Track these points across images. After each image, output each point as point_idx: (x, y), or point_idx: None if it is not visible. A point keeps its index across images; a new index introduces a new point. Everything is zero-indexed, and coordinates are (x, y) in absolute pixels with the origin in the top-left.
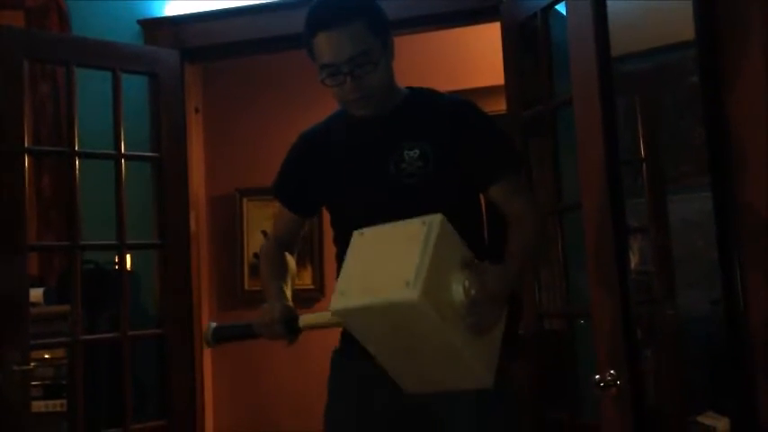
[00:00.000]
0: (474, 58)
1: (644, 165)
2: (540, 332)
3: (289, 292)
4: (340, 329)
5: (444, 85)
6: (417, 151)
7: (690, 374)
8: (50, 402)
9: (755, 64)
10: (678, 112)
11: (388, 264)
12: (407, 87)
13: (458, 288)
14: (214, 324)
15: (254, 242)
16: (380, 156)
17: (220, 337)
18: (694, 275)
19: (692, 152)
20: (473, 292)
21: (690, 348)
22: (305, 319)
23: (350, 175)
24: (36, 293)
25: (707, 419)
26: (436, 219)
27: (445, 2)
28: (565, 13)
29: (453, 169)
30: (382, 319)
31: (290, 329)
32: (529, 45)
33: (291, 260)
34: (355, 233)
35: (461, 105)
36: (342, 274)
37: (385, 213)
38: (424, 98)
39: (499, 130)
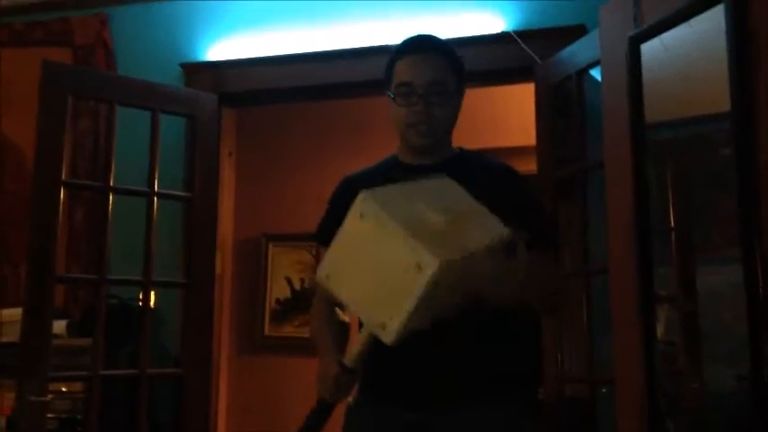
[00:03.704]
0: (505, 117)
1: (673, 233)
2: (562, 397)
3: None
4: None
5: (474, 143)
6: None
7: None
8: None
9: None
10: (709, 184)
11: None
12: (458, 147)
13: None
14: None
15: (278, 287)
16: None
17: None
18: (720, 349)
19: (721, 224)
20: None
21: (713, 424)
22: (348, 357)
23: None
24: (59, 325)
25: None
26: (363, 202)
27: (480, 61)
28: (599, 77)
29: None
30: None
31: (349, 376)
32: (562, 107)
33: (341, 313)
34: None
35: (510, 172)
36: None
37: None
38: (474, 157)
39: (537, 203)
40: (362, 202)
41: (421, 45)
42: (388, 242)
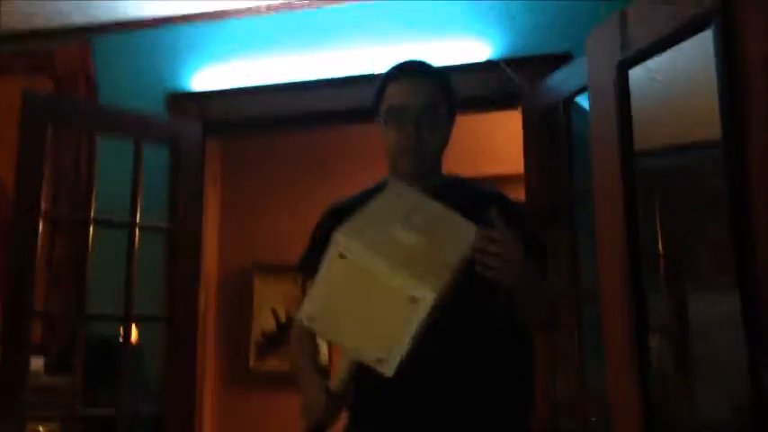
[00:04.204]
0: (492, 145)
1: (662, 261)
2: (555, 429)
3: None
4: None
5: (462, 171)
6: None
7: None
8: None
9: None
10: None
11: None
12: (449, 174)
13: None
14: None
15: (264, 320)
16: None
17: None
18: (714, 379)
19: (711, 252)
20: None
21: None
22: (333, 383)
23: None
24: (36, 362)
25: None
26: (341, 241)
27: (467, 88)
28: (587, 105)
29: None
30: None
31: (336, 402)
32: (549, 134)
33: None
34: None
35: (498, 195)
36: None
37: None
38: (463, 183)
39: (526, 223)
40: (340, 243)
41: (413, 69)
42: (375, 279)
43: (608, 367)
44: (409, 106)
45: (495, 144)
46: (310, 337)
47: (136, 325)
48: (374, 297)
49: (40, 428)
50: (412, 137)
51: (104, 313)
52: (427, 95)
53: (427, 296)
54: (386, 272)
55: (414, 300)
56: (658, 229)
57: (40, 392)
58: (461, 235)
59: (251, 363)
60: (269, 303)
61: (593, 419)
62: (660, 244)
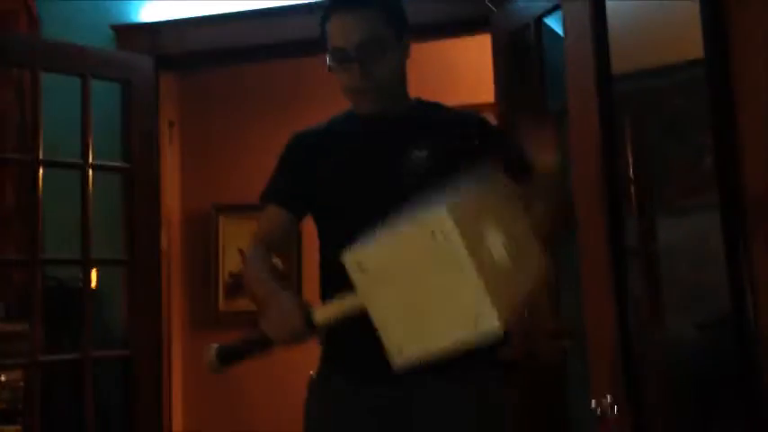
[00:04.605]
0: (459, 75)
1: (632, 187)
2: (530, 355)
3: None
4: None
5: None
6: (426, 152)
7: (675, 402)
8: (4, 428)
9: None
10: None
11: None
12: (416, 98)
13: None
14: (215, 345)
15: (230, 261)
16: (386, 157)
17: (227, 356)
18: (678, 300)
19: (675, 176)
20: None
21: (676, 374)
22: (321, 312)
23: (352, 176)
24: None
25: None
26: (445, 223)
27: (433, 12)
28: (556, 27)
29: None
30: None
31: (309, 331)
32: (520, 57)
33: (280, 263)
34: (349, 260)
35: (473, 115)
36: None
37: (387, 216)
38: (433, 107)
39: (506, 137)
40: (439, 221)
41: (347, 1)
42: (454, 275)
43: (584, 293)
44: (349, 46)
45: (462, 73)
46: (270, 257)
47: (95, 270)
48: (441, 291)
49: (2, 377)
50: (357, 77)
51: (61, 258)
52: (368, 29)
53: (492, 326)
54: (472, 279)
55: (476, 319)
56: (629, 153)
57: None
58: (532, 261)
59: (220, 304)
60: (235, 244)
61: (567, 345)
62: (630, 168)
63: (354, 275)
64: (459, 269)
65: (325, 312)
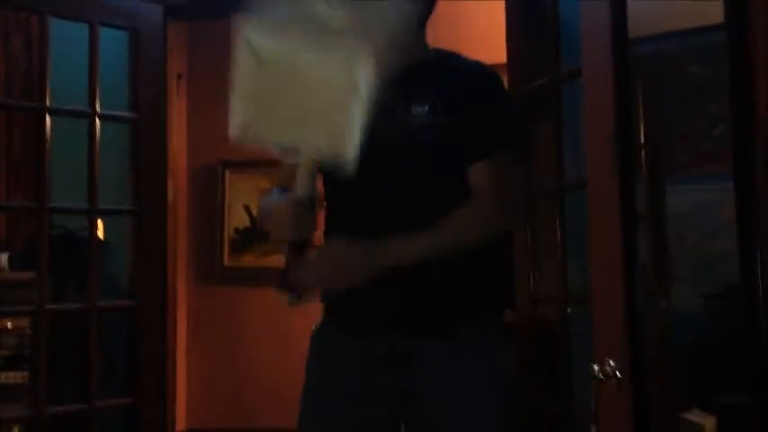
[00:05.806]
0: (475, 32)
1: (643, 152)
2: (535, 319)
3: None
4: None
5: None
6: (427, 107)
7: (677, 370)
8: (11, 374)
9: None
10: (676, 103)
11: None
12: (434, 48)
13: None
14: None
15: (236, 216)
16: (390, 109)
17: (286, 285)
18: (686, 269)
19: (688, 143)
20: None
21: (679, 343)
22: (297, 193)
23: None
24: (1, 258)
25: (693, 417)
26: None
27: None
28: None
29: (456, 133)
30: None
31: (307, 209)
32: (534, 16)
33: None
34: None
35: (482, 73)
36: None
37: (383, 169)
38: (448, 58)
39: (508, 108)
40: (252, 43)
41: None
42: (303, 71)
43: (592, 256)
44: None
45: (475, 32)
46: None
47: (102, 220)
48: (308, 90)
49: (9, 324)
50: None
51: (68, 206)
52: None
53: (365, 71)
54: (312, 60)
55: (352, 80)
56: (641, 119)
57: (7, 288)
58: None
59: (225, 259)
60: (241, 200)
61: (570, 311)
62: (642, 134)
63: (247, 137)
64: (301, 61)
65: (298, 190)
